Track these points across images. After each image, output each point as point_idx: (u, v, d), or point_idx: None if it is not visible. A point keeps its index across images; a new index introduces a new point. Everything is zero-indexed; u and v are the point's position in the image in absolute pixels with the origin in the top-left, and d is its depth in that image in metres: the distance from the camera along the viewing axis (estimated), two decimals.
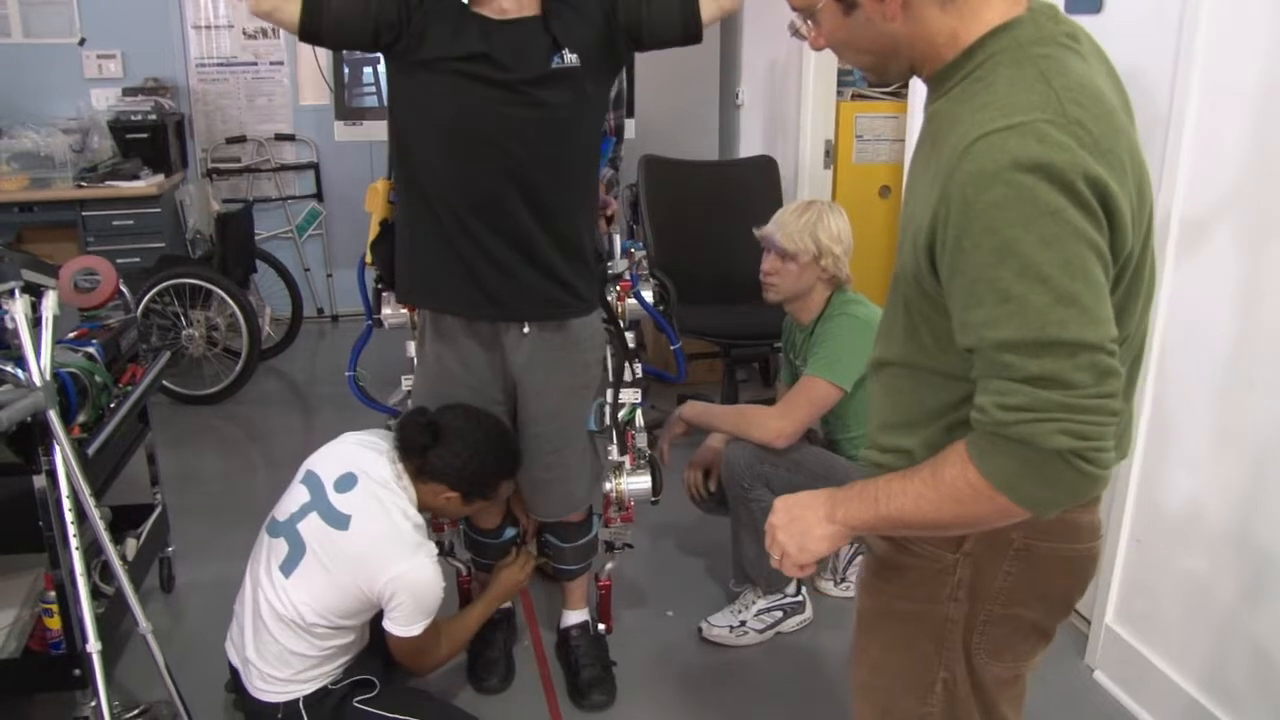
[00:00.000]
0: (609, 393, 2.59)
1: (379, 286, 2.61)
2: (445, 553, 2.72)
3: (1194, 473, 2.36)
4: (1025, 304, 1.08)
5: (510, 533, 2.65)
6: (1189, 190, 2.32)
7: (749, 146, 5.07)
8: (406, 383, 2.64)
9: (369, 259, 2.54)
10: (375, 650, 2.35)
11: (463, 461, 2.25)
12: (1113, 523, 2.59)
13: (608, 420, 2.59)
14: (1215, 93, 2.24)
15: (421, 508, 2.27)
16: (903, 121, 4.14)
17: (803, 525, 1.33)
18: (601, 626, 2.79)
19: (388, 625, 2.20)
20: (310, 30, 2.15)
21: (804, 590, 2.90)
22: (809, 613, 2.89)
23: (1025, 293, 1.08)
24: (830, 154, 4.41)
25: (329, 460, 2.30)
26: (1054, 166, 1.07)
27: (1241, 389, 2.21)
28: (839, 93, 4.42)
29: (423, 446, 2.23)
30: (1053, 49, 1.17)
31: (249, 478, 4.07)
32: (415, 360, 2.53)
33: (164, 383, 4.42)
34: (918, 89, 3.37)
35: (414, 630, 2.20)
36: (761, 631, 2.84)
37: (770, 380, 4.75)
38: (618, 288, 2.64)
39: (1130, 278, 1.20)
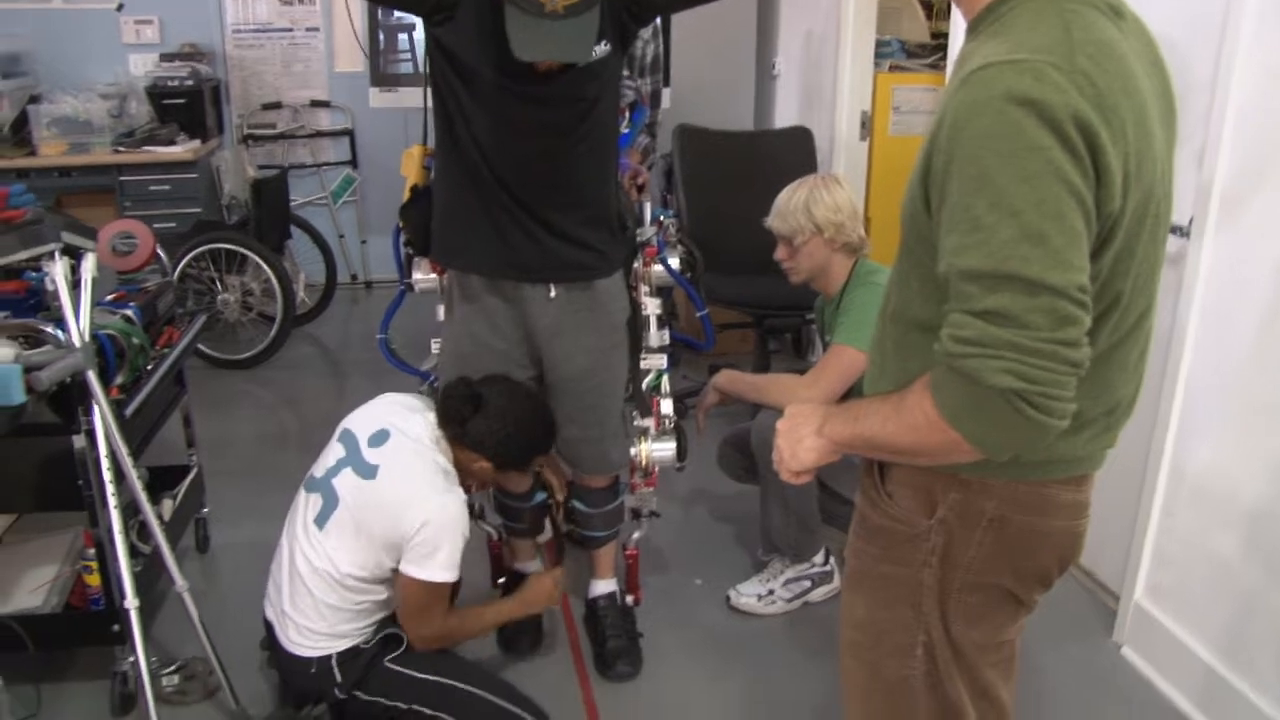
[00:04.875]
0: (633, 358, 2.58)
1: (409, 251, 2.62)
2: (475, 516, 2.73)
3: (1225, 448, 2.34)
4: (992, 235, 1.08)
5: (540, 496, 2.67)
6: (1230, 161, 2.29)
7: (784, 117, 5.03)
8: (437, 346, 2.64)
9: (401, 222, 2.55)
10: None
11: (500, 435, 2.26)
12: (1144, 498, 2.57)
13: (631, 386, 2.59)
14: (1262, 60, 2.20)
15: (454, 467, 2.28)
16: (940, 94, 4.08)
17: (798, 434, 1.38)
18: (630, 598, 2.80)
19: (403, 567, 2.16)
20: None
21: (832, 559, 2.90)
22: (837, 582, 2.88)
23: (995, 224, 1.07)
24: (866, 126, 4.36)
25: (365, 418, 2.32)
26: (1045, 104, 1.06)
27: (1275, 365, 2.18)
28: (876, 64, 4.36)
29: (464, 416, 2.25)
30: (1084, 8, 1.16)
31: (283, 441, 4.11)
32: (444, 325, 2.54)
33: (200, 347, 4.47)
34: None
35: (429, 574, 2.15)
36: (789, 600, 2.85)
37: (803, 352, 4.74)
38: (644, 254, 2.64)
39: (1120, 246, 1.18)
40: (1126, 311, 1.25)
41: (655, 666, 2.63)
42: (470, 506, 2.34)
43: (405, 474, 2.19)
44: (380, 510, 2.17)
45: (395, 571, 2.21)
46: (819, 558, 2.87)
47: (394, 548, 2.17)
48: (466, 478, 2.31)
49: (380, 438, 2.24)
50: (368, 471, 2.19)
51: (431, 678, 2.24)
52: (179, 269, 4.46)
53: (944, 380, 1.15)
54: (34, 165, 4.64)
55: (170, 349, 2.71)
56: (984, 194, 1.08)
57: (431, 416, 2.29)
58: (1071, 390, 1.11)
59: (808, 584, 2.86)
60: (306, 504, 2.27)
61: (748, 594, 2.86)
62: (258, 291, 4.85)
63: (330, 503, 2.21)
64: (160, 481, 2.89)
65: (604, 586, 2.76)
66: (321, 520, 2.20)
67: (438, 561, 2.16)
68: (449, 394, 2.29)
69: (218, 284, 4.76)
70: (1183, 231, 2.40)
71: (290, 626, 2.24)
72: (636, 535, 2.79)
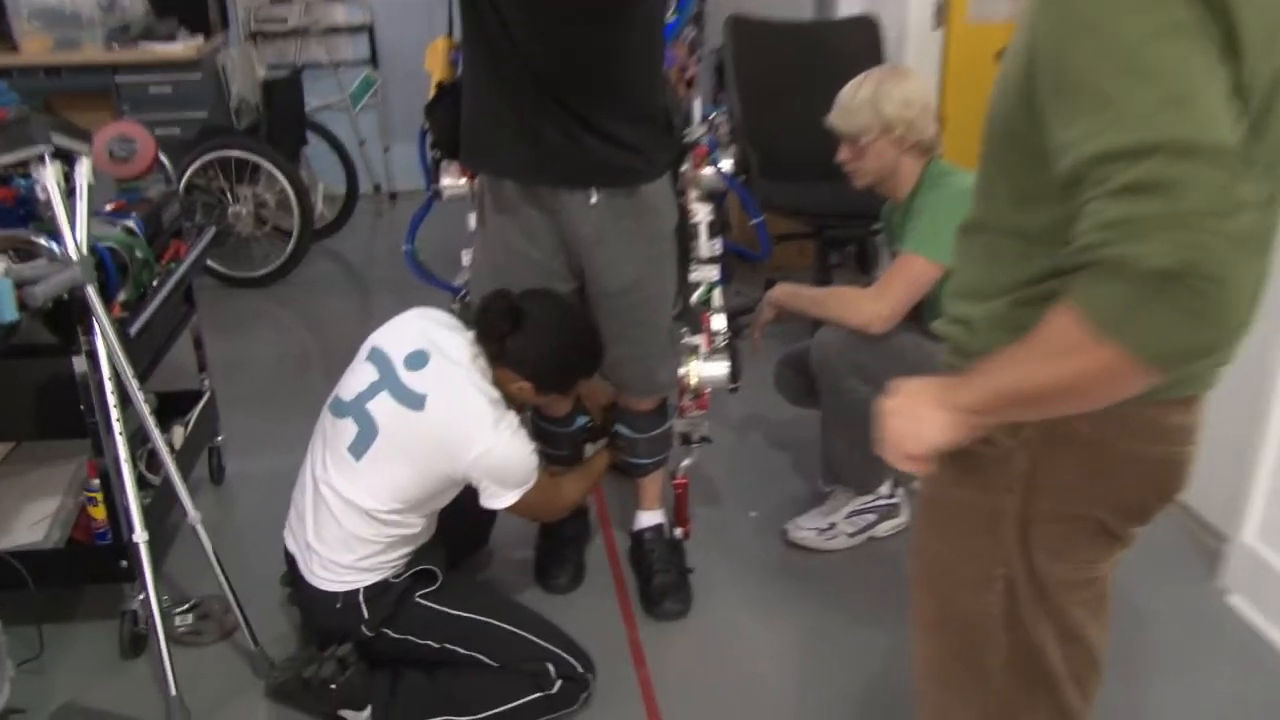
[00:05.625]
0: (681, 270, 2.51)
1: (436, 154, 2.55)
2: None
3: None
4: (1129, 104, 0.96)
5: (581, 420, 2.61)
6: None
7: (848, 5, 4.79)
8: (467, 258, 2.58)
9: (426, 123, 2.46)
10: (440, 543, 2.31)
11: (542, 354, 2.19)
12: (1257, 426, 2.41)
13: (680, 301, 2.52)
14: None
15: (495, 387, 2.21)
16: None
17: (916, 414, 1.21)
18: (678, 531, 2.73)
19: (486, 503, 2.16)
20: None
21: (900, 491, 2.79)
22: (905, 516, 2.78)
23: (1127, 93, 0.96)
24: (941, 12, 4.11)
25: (397, 336, 2.22)
26: None
27: None
28: None
29: (502, 332, 2.16)
30: None
31: (302, 365, 4.06)
32: (476, 235, 2.46)
33: (211, 264, 4.42)
34: None
35: (514, 499, 2.17)
36: (852, 535, 2.75)
37: (867, 266, 4.60)
38: (693, 155, 2.54)
39: (1252, 120, 1.03)
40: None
41: (705, 604, 2.56)
42: None
43: (457, 407, 2.12)
44: (431, 444, 2.10)
45: (443, 496, 2.20)
46: (885, 489, 2.76)
47: (448, 480, 2.13)
48: (506, 401, 2.23)
49: (419, 359, 2.14)
50: (413, 400, 2.11)
51: (466, 615, 2.19)
52: (185, 179, 4.33)
53: (1090, 282, 0.97)
54: (17, 64, 4.40)
55: (177, 264, 2.63)
56: (1109, 64, 0.97)
57: (469, 334, 2.21)
58: (1243, 267, 0.94)
59: (873, 517, 2.75)
60: (335, 430, 2.18)
61: (807, 528, 2.76)
62: (272, 203, 4.70)
63: (368, 430, 2.12)
64: (170, 408, 2.82)
65: (650, 518, 2.68)
66: (358, 449, 2.12)
67: (515, 483, 2.16)
68: (487, 307, 2.21)
69: (228, 195, 4.62)
70: None
71: (314, 560, 2.17)
72: (686, 463, 2.71)
